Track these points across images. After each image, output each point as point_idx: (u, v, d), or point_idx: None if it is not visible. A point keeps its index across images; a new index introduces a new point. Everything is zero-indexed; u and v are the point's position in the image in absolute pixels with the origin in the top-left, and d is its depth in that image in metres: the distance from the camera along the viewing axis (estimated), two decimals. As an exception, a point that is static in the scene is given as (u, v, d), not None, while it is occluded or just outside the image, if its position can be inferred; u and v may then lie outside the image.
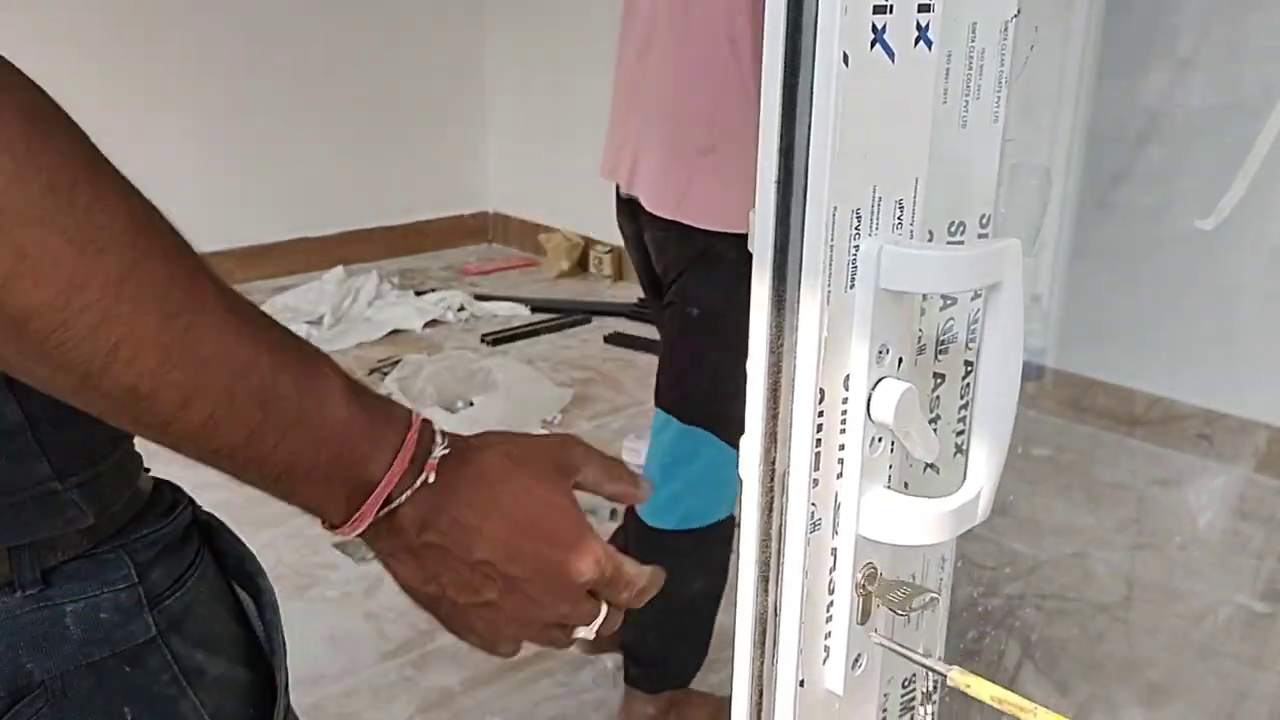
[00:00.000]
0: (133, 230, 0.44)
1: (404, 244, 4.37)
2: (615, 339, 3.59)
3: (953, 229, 0.51)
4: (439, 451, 0.53)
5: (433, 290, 3.96)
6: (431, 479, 0.53)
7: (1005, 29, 0.50)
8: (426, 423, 0.54)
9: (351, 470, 0.52)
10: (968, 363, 0.55)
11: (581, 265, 4.26)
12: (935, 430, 0.56)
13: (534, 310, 3.85)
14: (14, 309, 0.42)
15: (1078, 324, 2.57)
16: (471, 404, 2.98)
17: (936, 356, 0.55)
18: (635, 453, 2.74)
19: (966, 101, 0.50)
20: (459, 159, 4.49)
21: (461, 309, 3.83)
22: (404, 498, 0.53)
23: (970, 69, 0.49)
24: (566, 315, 3.77)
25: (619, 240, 2.00)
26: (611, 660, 2.03)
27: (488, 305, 3.88)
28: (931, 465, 0.55)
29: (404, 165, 4.31)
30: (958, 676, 0.47)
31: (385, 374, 3.26)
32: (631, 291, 3.88)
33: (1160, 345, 2.50)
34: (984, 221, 0.53)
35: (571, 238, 4.23)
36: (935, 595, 0.50)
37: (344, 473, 0.51)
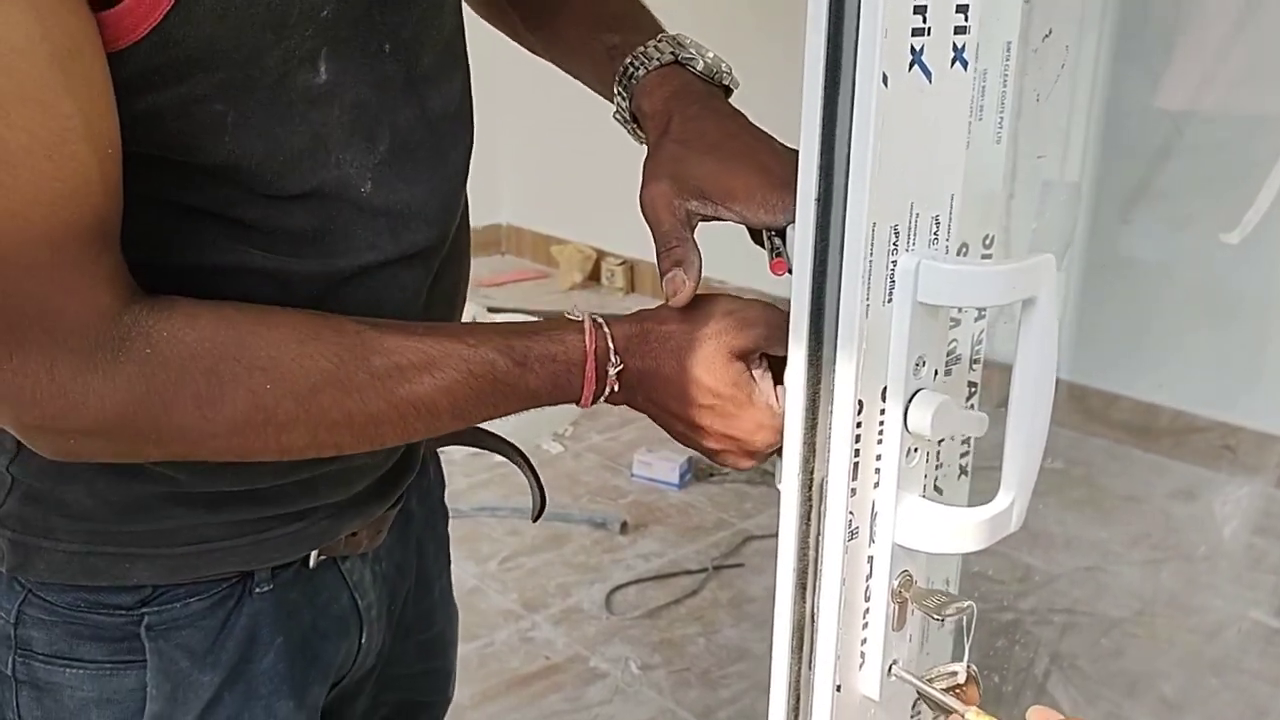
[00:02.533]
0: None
1: (415, 257, 4.38)
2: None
3: (958, 250, 0.52)
4: (613, 371, 0.62)
5: (444, 303, 3.97)
6: (617, 388, 0.62)
7: (1009, 50, 0.51)
8: (598, 348, 0.62)
9: (560, 399, 0.63)
10: (971, 384, 0.56)
11: (594, 277, 4.27)
12: (940, 453, 0.57)
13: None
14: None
15: (1096, 337, 2.58)
16: (484, 416, 2.99)
17: (944, 378, 0.55)
18: (646, 465, 2.75)
19: (969, 124, 0.51)
20: (471, 171, 4.51)
21: (474, 321, 3.84)
22: (603, 399, 0.63)
23: (974, 90, 0.50)
24: (577, 328, 3.79)
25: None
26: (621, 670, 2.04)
27: (501, 318, 3.90)
28: (936, 487, 0.56)
29: (416, 179, 4.32)
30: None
31: (398, 386, 3.28)
32: (643, 303, 3.89)
33: (1180, 358, 2.51)
34: (987, 242, 0.54)
35: (584, 250, 4.25)
36: (970, 604, 0.51)
37: (555, 400, 0.63)
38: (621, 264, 4.11)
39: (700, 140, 0.64)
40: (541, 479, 0.83)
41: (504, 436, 0.84)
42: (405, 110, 0.62)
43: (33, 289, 0.50)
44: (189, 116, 0.53)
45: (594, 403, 0.63)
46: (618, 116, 0.71)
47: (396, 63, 0.60)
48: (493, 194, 4.58)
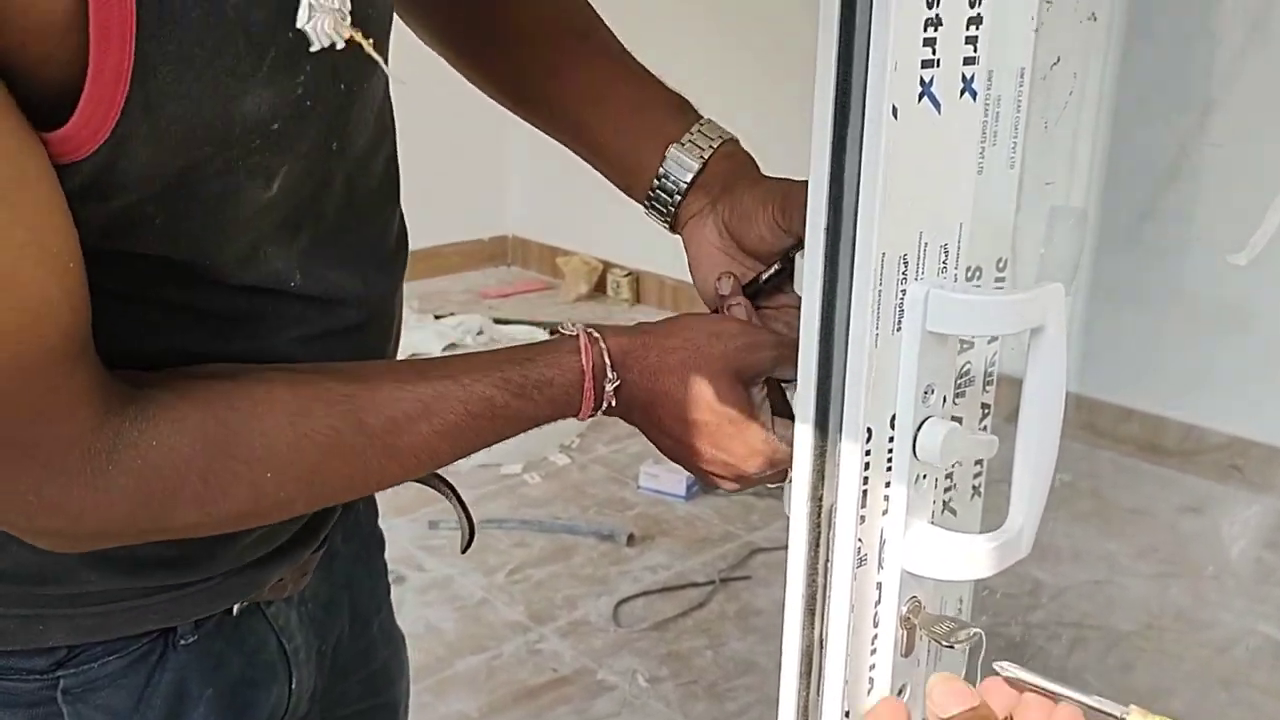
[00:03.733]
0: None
1: (423, 268, 4.39)
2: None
3: (969, 273, 0.53)
4: (610, 387, 0.62)
5: (451, 314, 3.98)
6: (614, 403, 0.62)
7: (1022, 77, 0.52)
8: (595, 364, 0.61)
9: (560, 418, 0.63)
10: (985, 405, 0.56)
11: (600, 288, 4.28)
12: (953, 474, 0.57)
13: (552, 333, 3.86)
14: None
15: (1106, 352, 2.58)
16: (491, 428, 2.99)
17: (954, 401, 0.56)
18: (653, 477, 2.75)
19: (983, 148, 0.51)
20: (477, 183, 4.52)
21: (480, 332, 3.85)
22: (602, 413, 0.63)
23: (987, 116, 0.51)
24: (584, 340, 3.79)
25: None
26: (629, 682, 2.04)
27: (506, 329, 3.90)
28: (949, 507, 0.56)
29: (422, 190, 4.31)
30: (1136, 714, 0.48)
31: (405, 397, 3.28)
32: (648, 314, 3.90)
33: (1189, 371, 2.50)
34: (1000, 266, 0.54)
35: (590, 261, 4.26)
36: (979, 631, 0.51)
37: (556, 419, 0.63)
38: (627, 275, 4.11)
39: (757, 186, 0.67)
40: (469, 508, 0.82)
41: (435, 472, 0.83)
42: (334, 199, 0.60)
43: (6, 417, 0.48)
44: (123, 217, 0.51)
45: (592, 416, 0.63)
46: (663, 195, 0.70)
47: (340, 158, 0.59)
48: (499, 206, 4.59)
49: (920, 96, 0.45)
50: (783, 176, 0.67)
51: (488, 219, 4.56)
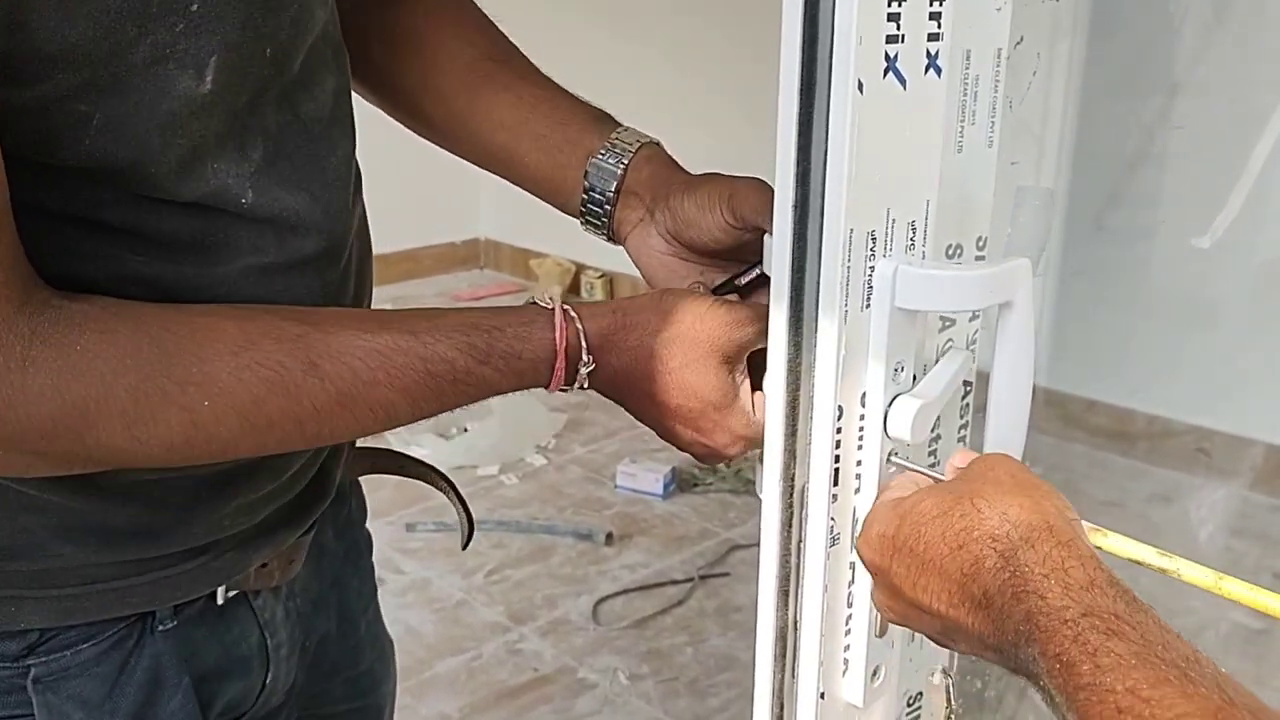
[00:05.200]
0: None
1: (395, 271, 4.38)
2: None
3: (950, 251, 0.53)
4: (584, 370, 0.60)
5: (425, 317, 3.96)
6: (587, 384, 0.61)
7: (1000, 56, 0.52)
8: (570, 345, 0.60)
9: (524, 388, 0.61)
10: (966, 383, 0.56)
11: (573, 290, 4.27)
12: (936, 449, 0.57)
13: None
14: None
15: (1074, 343, 2.60)
16: (466, 430, 2.98)
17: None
18: (630, 476, 2.75)
19: (962, 127, 0.51)
20: (449, 186, 4.49)
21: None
22: (572, 390, 0.62)
23: (966, 95, 0.51)
24: (559, 341, 3.78)
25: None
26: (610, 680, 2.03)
27: (480, 331, 3.89)
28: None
29: (394, 193, 4.31)
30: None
31: (379, 401, 3.26)
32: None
33: (1155, 363, 2.53)
34: (980, 244, 0.54)
35: (563, 263, 4.25)
36: (952, 607, 0.51)
37: (519, 389, 0.61)
38: (601, 277, 4.11)
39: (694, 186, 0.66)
40: (469, 505, 0.80)
41: (430, 463, 0.82)
42: (276, 115, 0.58)
43: None
44: (47, 115, 0.49)
45: (563, 391, 0.62)
46: (595, 208, 0.70)
47: (274, 67, 0.57)
48: (471, 208, 4.58)
49: (886, 72, 0.45)
50: (711, 172, 0.67)
51: (460, 222, 4.55)
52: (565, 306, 0.60)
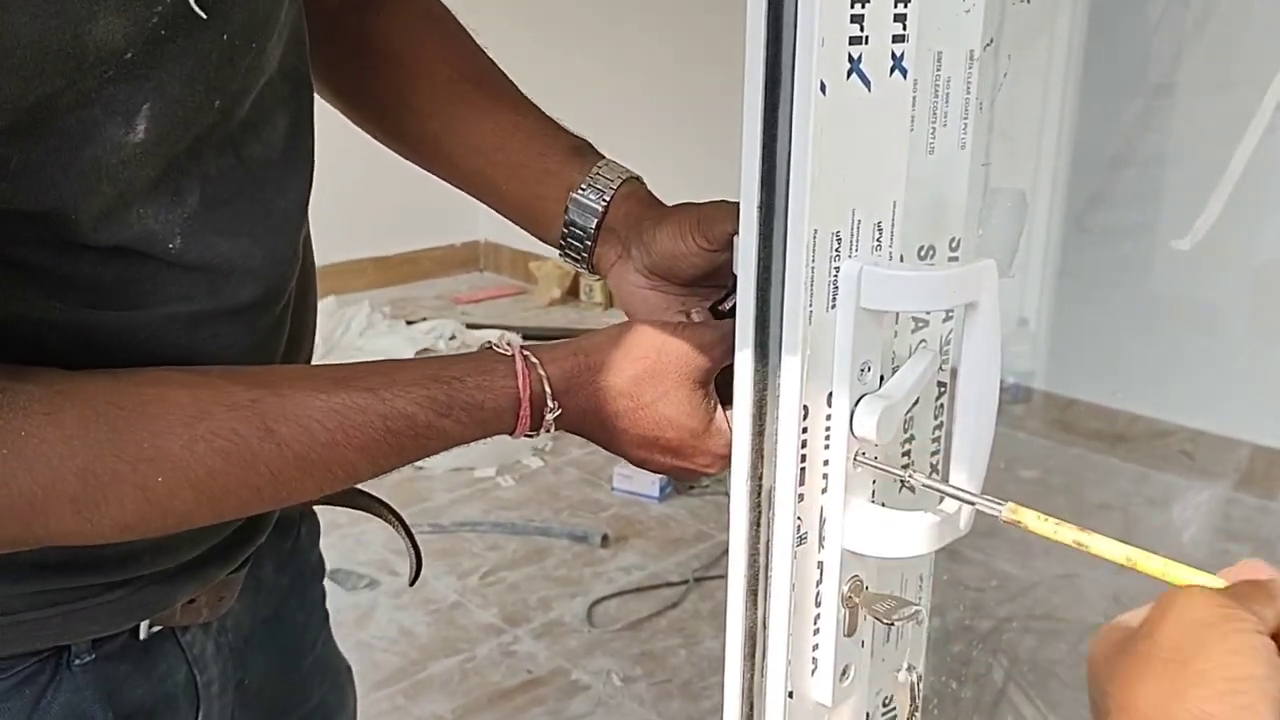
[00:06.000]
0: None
1: (395, 274, 4.38)
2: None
3: (923, 252, 0.53)
4: (550, 416, 0.60)
5: (424, 319, 3.97)
6: (552, 429, 0.61)
7: (971, 58, 0.52)
8: (533, 392, 0.59)
9: (488, 436, 0.60)
10: (940, 384, 0.56)
11: (573, 293, 4.28)
12: (910, 449, 0.57)
13: (526, 338, 3.86)
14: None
15: (1064, 346, 2.60)
16: (463, 432, 2.98)
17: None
18: (626, 478, 2.75)
19: (934, 129, 0.51)
20: (449, 188, 4.49)
21: (453, 338, 3.84)
22: (539, 434, 0.61)
23: (937, 97, 0.51)
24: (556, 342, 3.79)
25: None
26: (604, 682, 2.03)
27: (479, 334, 3.89)
28: (907, 485, 0.56)
29: (395, 195, 4.33)
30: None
31: (377, 403, 3.27)
32: (621, 318, 3.89)
33: (1145, 364, 2.53)
34: (954, 245, 0.54)
35: (562, 266, 4.25)
36: (919, 607, 0.52)
37: (481, 438, 0.60)
38: (600, 280, 4.11)
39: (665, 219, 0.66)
40: (418, 540, 0.77)
41: (379, 497, 0.79)
42: (217, 160, 0.55)
43: None
44: None
45: (530, 437, 0.61)
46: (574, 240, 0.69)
47: (221, 115, 0.54)
48: (471, 211, 4.56)
49: (849, 73, 0.45)
50: (681, 203, 0.67)
51: (460, 224, 4.55)
52: (525, 353, 0.59)
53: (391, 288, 4.35)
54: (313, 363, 0.70)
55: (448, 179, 0.75)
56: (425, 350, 3.76)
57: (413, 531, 0.77)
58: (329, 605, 0.86)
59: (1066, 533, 0.44)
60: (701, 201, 0.66)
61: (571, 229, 0.69)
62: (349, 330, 3.78)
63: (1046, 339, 2.64)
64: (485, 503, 2.72)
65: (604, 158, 0.70)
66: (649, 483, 2.72)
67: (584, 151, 0.71)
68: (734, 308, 0.65)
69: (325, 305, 3.90)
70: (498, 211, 0.74)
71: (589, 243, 0.69)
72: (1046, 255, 2.46)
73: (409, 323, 3.94)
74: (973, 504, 0.48)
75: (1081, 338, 2.56)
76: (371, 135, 0.77)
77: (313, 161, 0.63)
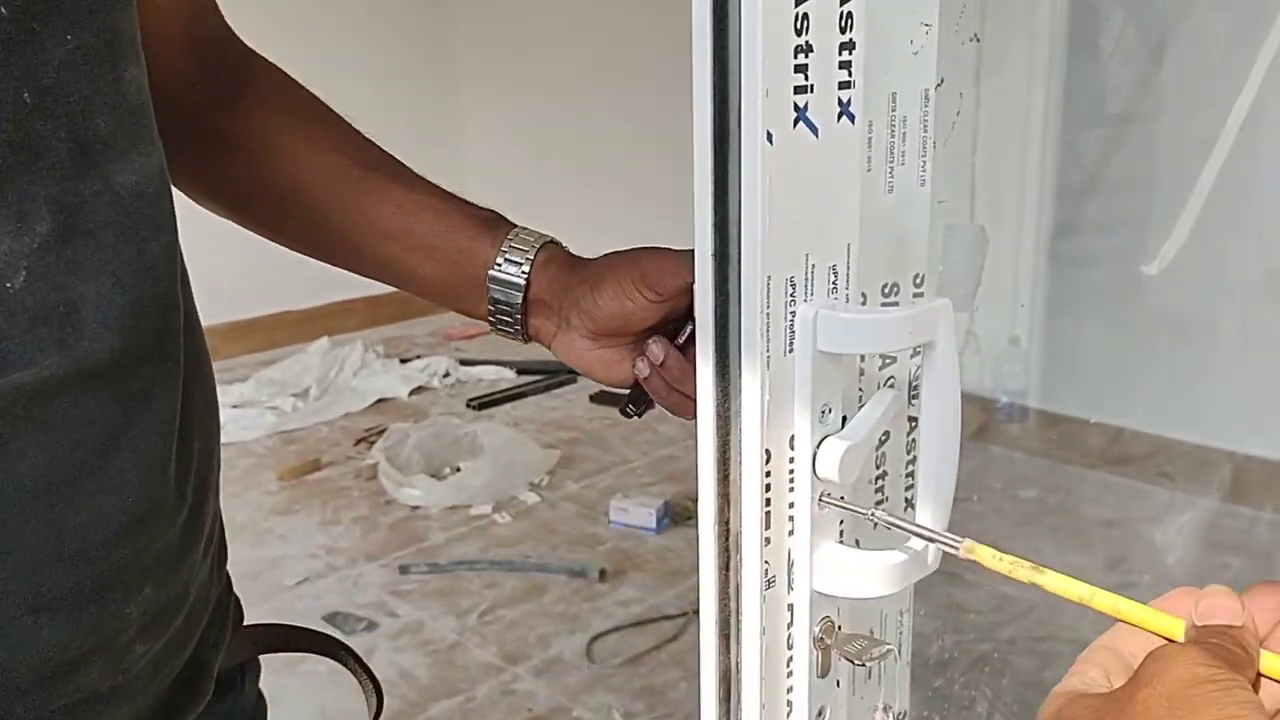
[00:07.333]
0: None
1: (388, 312, 4.39)
2: (601, 397, 3.61)
3: (887, 290, 0.53)
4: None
5: (418, 357, 3.98)
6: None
7: (926, 97, 0.53)
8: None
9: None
10: (911, 418, 0.57)
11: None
12: (883, 486, 0.58)
13: (519, 373, 3.87)
14: None
15: (1057, 364, 2.60)
16: (459, 469, 2.98)
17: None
18: (623, 511, 2.75)
19: (892, 168, 0.52)
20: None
21: (447, 374, 3.85)
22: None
23: (894, 137, 0.52)
24: (552, 376, 3.79)
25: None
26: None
27: (473, 370, 3.90)
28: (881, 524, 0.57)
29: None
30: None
31: (372, 443, 3.27)
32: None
33: (1135, 380, 2.53)
34: (918, 281, 0.55)
35: (555, 299, 4.26)
36: (891, 647, 0.52)
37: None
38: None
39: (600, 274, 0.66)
40: (377, 676, 0.75)
41: (330, 634, 0.77)
42: (78, 183, 0.49)
43: None
44: None
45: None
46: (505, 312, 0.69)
47: (49, 120, 0.47)
48: (463, 246, 4.59)
49: (796, 122, 0.45)
50: (605, 257, 0.67)
51: (452, 261, 4.57)
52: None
53: (384, 326, 4.36)
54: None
55: (361, 271, 0.73)
56: (420, 388, 3.76)
57: (373, 672, 0.75)
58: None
59: (1022, 571, 0.44)
60: (629, 250, 0.66)
61: (498, 306, 0.68)
62: (343, 370, 3.79)
63: (1043, 358, 2.64)
64: (482, 540, 2.71)
65: (515, 226, 0.70)
66: (646, 515, 2.72)
67: (494, 224, 0.70)
68: (691, 335, 0.66)
69: (318, 346, 3.91)
70: (419, 295, 0.72)
71: (519, 316, 0.68)
72: (1036, 278, 2.48)
73: (403, 361, 3.95)
74: (933, 541, 0.48)
75: (1073, 356, 2.57)
76: (272, 239, 0.74)
77: (174, 217, 0.57)
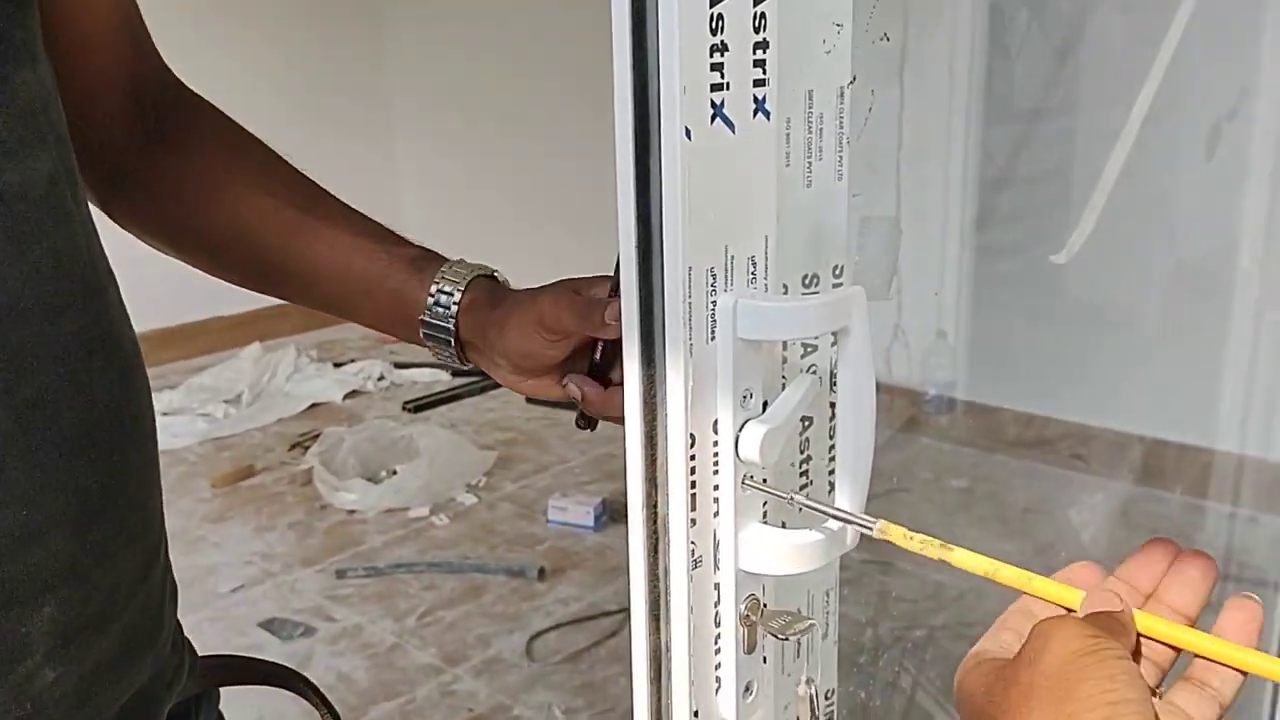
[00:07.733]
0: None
1: (320, 316, 4.32)
2: (537, 398, 3.61)
3: (807, 280, 0.56)
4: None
5: (352, 361, 3.94)
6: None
7: (841, 95, 0.55)
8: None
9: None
10: (833, 404, 0.59)
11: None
12: (808, 469, 0.60)
13: (454, 375, 3.85)
14: None
15: (982, 356, 2.67)
16: (395, 473, 2.97)
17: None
18: (561, 510, 2.76)
19: (809, 163, 0.54)
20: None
21: (381, 378, 3.82)
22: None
23: (810, 132, 0.54)
24: (487, 377, 3.78)
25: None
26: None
27: (408, 373, 3.88)
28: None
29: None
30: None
31: (306, 448, 3.23)
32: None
33: (1053, 369, 2.61)
34: (837, 272, 0.57)
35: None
36: (814, 622, 0.54)
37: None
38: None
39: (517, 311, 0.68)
40: (334, 706, 0.76)
41: (288, 666, 0.79)
42: None
43: None
44: None
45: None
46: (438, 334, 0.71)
47: None
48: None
49: (713, 118, 0.47)
50: (518, 293, 0.69)
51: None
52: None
53: (317, 330, 4.32)
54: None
55: (311, 307, 0.75)
56: (354, 392, 3.73)
57: (333, 705, 0.77)
58: (266, 656, 0.84)
59: (932, 549, 0.46)
60: (532, 290, 0.68)
61: (436, 344, 0.71)
62: (275, 375, 3.74)
63: (969, 350, 2.71)
64: (420, 543, 2.70)
65: (443, 264, 0.71)
66: (584, 513, 2.73)
67: (422, 265, 0.71)
68: (604, 359, 0.69)
69: (250, 351, 3.86)
70: (370, 328, 0.75)
71: (458, 352, 0.71)
72: (961, 271, 2.54)
73: (336, 365, 3.91)
74: (849, 523, 0.51)
75: (998, 347, 2.63)
76: (216, 276, 0.75)
77: (71, 231, 0.55)
